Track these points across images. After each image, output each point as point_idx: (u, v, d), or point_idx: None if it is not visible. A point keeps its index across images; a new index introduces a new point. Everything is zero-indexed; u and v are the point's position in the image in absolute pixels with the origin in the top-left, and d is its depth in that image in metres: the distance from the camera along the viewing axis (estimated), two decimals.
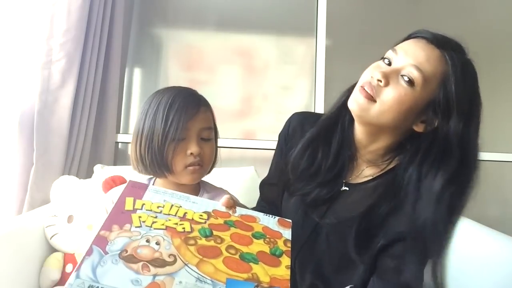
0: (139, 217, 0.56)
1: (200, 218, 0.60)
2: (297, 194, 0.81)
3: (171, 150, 0.76)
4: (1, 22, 1.39)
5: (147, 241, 0.53)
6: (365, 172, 0.80)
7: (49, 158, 1.41)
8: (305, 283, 0.79)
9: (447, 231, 0.70)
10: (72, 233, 1.20)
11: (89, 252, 0.48)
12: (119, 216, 0.56)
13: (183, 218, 0.58)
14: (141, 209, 0.58)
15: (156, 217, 0.57)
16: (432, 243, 0.69)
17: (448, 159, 0.68)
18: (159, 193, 0.63)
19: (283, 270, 0.55)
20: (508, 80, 1.87)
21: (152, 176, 0.90)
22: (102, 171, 1.38)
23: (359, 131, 0.78)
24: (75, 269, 0.46)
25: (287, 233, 0.62)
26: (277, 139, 0.93)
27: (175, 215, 0.58)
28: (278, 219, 0.65)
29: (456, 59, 0.71)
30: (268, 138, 1.73)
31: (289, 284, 0.52)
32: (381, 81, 0.69)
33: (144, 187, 0.63)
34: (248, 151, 1.76)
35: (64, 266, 1.19)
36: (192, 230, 0.57)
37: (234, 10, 1.85)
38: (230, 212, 0.63)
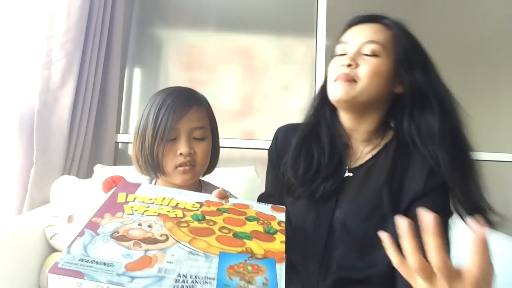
0: (131, 207, 0.57)
1: (192, 207, 0.60)
2: (304, 195, 0.81)
3: (160, 150, 0.76)
4: (1, 22, 1.39)
5: (139, 224, 0.53)
6: (364, 153, 0.83)
7: (49, 158, 1.41)
8: (330, 278, 0.78)
9: (469, 164, 0.79)
10: (72, 233, 1.20)
11: (80, 234, 0.49)
12: (111, 206, 0.56)
13: (176, 207, 0.58)
14: (133, 201, 0.58)
15: (148, 207, 0.57)
16: (457, 180, 0.74)
17: (429, 104, 0.77)
18: (152, 189, 0.63)
19: (277, 244, 0.54)
20: (508, 80, 1.87)
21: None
22: (102, 171, 1.38)
23: (345, 118, 0.83)
24: (66, 247, 0.47)
25: (280, 216, 0.62)
26: (268, 156, 0.95)
27: (167, 205, 0.59)
28: (271, 205, 0.65)
29: (393, 23, 0.84)
30: (268, 138, 1.71)
31: (284, 256, 0.51)
32: (351, 64, 0.76)
33: (137, 185, 0.63)
34: (248, 151, 1.76)
35: None
36: (184, 216, 0.57)
37: (234, 10, 1.85)
38: (223, 201, 0.64)
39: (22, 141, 1.39)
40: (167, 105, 0.76)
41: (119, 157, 1.73)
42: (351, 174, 0.81)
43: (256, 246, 0.52)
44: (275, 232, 0.57)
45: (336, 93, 0.77)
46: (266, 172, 0.95)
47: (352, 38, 0.80)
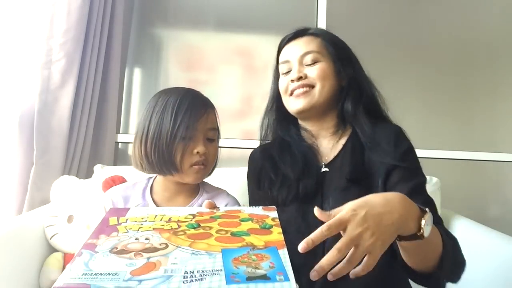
0: (125, 226, 0.57)
1: (185, 218, 0.60)
2: (289, 200, 0.84)
3: (179, 149, 0.78)
4: (1, 22, 1.39)
5: (136, 239, 0.53)
6: (335, 146, 0.90)
7: (49, 158, 1.41)
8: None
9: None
10: (72, 233, 1.20)
11: (78, 254, 0.48)
12: (104, 229, 0.56)
13: (169, 221, 0.59)
14: (126, 222, 0.59)
15: (141, 224, 0.58)
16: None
17: (363, 91, 0.90)
18: (141, 209, 0.64)
19: (276, 236, 0.55)
20: (508, 80, 1.87)
21: (151, 176, 0.91)
22: (102, 171, 1.38)
23: (309, 125, 0.93)
24: (67, 265, 0.46)
25: (273, 214, 0.63)
26: (247, 182, 1.00)
27: (161, 220, 0.59)
28: (262, 207, 0.66)
29: (318, 31, 0.94)
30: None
31: (285, 243, 0.52)
32: (301, 77, 0.88)
33: (126, 209, 0.65)
34: (248, 151, 1.74)
35: (64, 266, 1.19)
36: (179, 227, 0.57)
37: (234, 10, 1.85)
38: (214, 210, 0.65)
39: (22, 141, 1.39)
40: (186, 105, 0.79)
41: (119, 157, 1.73)
42: (327, 169, 0.87)
43: (256, 240, 0.53)
44: (271, 226, 0.58)
45: (297, 105, 0.88)
46: (249, 196, 0.98)
47: (291, 55, 0.91)
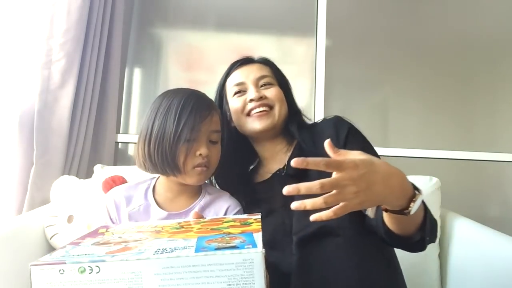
0: (112, 232, 0.59)
1: (170, 225, 0.62)
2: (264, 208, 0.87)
3: (183, 150, 0.78)
4: (1, 22, 1.39)
5: (120, 237, 0.55)
6: (284, 157, 0.95)
7: (49, 158, 1.41)
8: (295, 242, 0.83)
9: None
10: (72, 233, 1.20)
11: (62, 247, 0.50)
12: (92, 235, 0.59)
13: (154, 227, 0.61)
14: (113, 230, 0.61)
15: (127, 230, 0.60)
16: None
17: (297, 111, 1.01)
18: (131, 223, 0.67)
19: (254, 226, 0.56)
20: (508, 80, 1.87)
21: (154, 177, 0.91)
22: (102, 171, 1.38)
23: (262, 149, 0.98)
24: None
25: (256, 216, 0.65)
26: None
27: (148, 227, 0.62)
28: (248, 214, 0.69)
29: (264, 61, 1.01)
30: None
31: (261, 231, 0.53)
32: (260, 97, 0.92)
33: (116, 225, 0.68)
34: None
35: None
36: (162, 229, 0.59)
37: (234, 10, 1.85)
38: (201, 219, 0.67)
39: (22, 141, 1.39)
40: (190, 107, 0.79)
41: (119, 157, 1.73)
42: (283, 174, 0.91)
43: (233, 230, 0.55)
44: (251, 223, 0.59)
45: (259, 124, 0.91)
46: None
47: (246, 77, 0.95)
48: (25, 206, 1.36)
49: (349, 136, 0.86)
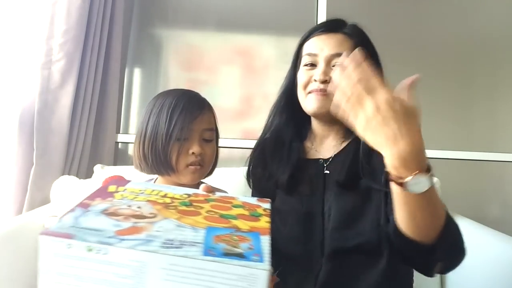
0: (121, 195, 0.59)
1: (180, 196, 0.62)
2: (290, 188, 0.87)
3: (175, 149, 0.78)
4: (1, 22, 1.39)
5: (129, 206, 0.55)
6: (338, 146, 0.90)
7: (49, 158, 1.41)
8: (327, 252, 0.81)
9: None
10: None
11: (71, 210, 0.50)
12: (101, 194, 0.58)
13: (164, 196, 0.61)
14: (123, 191, 0.61)
15: (137, 195, 0.59)
16: None
17: None
18: (141, 183, 0.66)
19: (262, 223, 0.56)
20: (508, 80, 1.87)
21: (152, 178, 0.91)
22: (102, 171, 1.38)
23: (317, 126, 0.92)
24: (57, 219, 0.48)
25: (266, 205, 0.64)
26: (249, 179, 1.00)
27: (156, 195, 0.61)
28: (257, 198, 0.67)
29: (353, 32, 0.89)
30: None
31: (269, 232, 0.53)
32: (326, 80, 0.82)
33: (126, 181, 0.66)
34: (248, 151, 1.74)
35: None
36: (172, 202, 0.59)
37: (234, 10, 1.85)
38: (210, 194, 0.66)
39: (22, 141, 1.39)
40: (181, 106, 0.79)
41: (119, 157, 1.73)
42: (328, 172, 0.87)
43: (242, 223, 0.54)
44: (260, 215, 0.59)
45: (313, 106, 0.85)
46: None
47: (320, 50, 0.86)
48: (25, 206, 1.36)
49: None
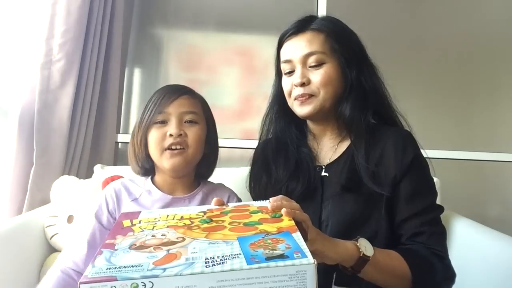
0: (139, 227, 0.59)
1: (197, 215, 0.62)
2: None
3: (154, 133, 0.81)
4: (1, 22, 1.39)
5: (153, 235, 0.55)
6: (338, 148, 0.89)
7: (49, 158, 1.41)
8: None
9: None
10: (72, 233, 1.20)
11: (98, 253, 0.49)
12: (120, 231, 0.57)
13: (181, 219, 0.61)
14: (139, 223, 0.60)
15: (155, 224, 0.59)
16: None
17: (367, 93, 0.86)
18: (153, 212, 0.66)
19: (287, 222, 0.57)
20: (508, 80, 1.87)
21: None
22: (102, 171, 1.38)
23: (312, 127, 0.92)
24: (90, 264, 0.47)
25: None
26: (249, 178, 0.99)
27: (173, 219, 0.61)
28: (269, 200, 0.67)
29: (321, 25, 0.86)
30: None
31: (297, 228, 0.54)
32: (303, 83, 0.83)
33: (137, 212, 0.66)
34: (248, 151, 1.74)
35: None
36: (192, 223, 0.59)
37: (234, 10, 1.85)
38: (224, 206, 0.66)
39: (22, 141, 1.39)
40: (155, 96, 0.84)
41: (119, 157, 1.72)
42: (327, 174, 0.86)
43: (268, 227, 0.55)
44: (281, 215, 0.60)
45: (301, 111, 0.85)
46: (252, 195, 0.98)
47: (293, 55, 0.85)
48: (25, 206, 1.36)
49: (412, 166, 0.80)
